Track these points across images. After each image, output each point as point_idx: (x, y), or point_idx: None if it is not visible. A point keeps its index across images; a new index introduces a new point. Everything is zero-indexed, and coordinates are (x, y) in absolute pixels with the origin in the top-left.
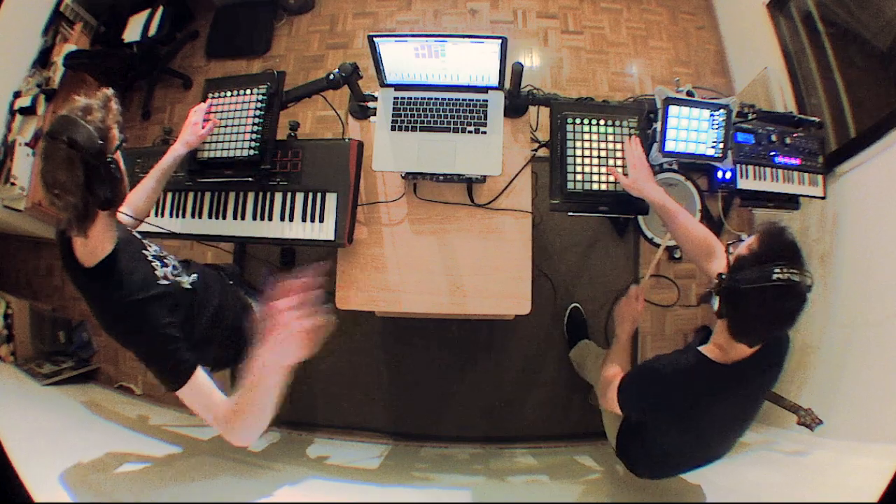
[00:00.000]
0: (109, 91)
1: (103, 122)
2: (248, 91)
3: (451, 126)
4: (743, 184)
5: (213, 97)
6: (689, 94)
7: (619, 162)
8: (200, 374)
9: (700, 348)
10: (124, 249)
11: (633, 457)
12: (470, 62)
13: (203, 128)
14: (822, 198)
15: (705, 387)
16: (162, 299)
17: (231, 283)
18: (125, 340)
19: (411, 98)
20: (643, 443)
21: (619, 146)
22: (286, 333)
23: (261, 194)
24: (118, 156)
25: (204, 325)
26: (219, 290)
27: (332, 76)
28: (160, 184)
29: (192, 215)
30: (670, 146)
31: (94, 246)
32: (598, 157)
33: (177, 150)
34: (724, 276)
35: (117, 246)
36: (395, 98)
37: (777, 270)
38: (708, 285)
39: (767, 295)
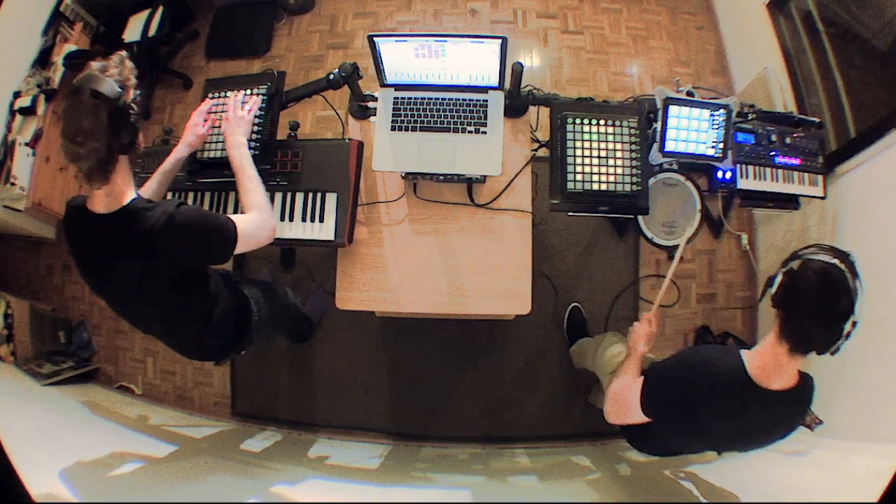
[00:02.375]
0: (123, 52)
1: (121, 75)
2: (249, 91)
3: (451, 126)
4: (743, 184)
5: (213, 97)
6: (689, 94)
7: (618, 162)
8: (238, 220)
9: (744, 356)
10: (141, 199)
11: (633, 437)
12: (470, 62)
13: (203, 128)
14: (823, 198)
15: (734, 405)
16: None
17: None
18: (165, 258)
19: (411, 98)
20: (647, 433)
21: (619, 146)
22: (233, 118)
23: None
24: (135, 106)
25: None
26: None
27: (332, 76)
28: (163, 186)
29: None
30: (670, 146)
31: (118, 191)
32: (598, 157)
33: (179, 152)
34: (791, 255)
35: (137, 196)
36: (395, 98)
37: (836, 262)
38: (771, 276)
39: (823, 278)
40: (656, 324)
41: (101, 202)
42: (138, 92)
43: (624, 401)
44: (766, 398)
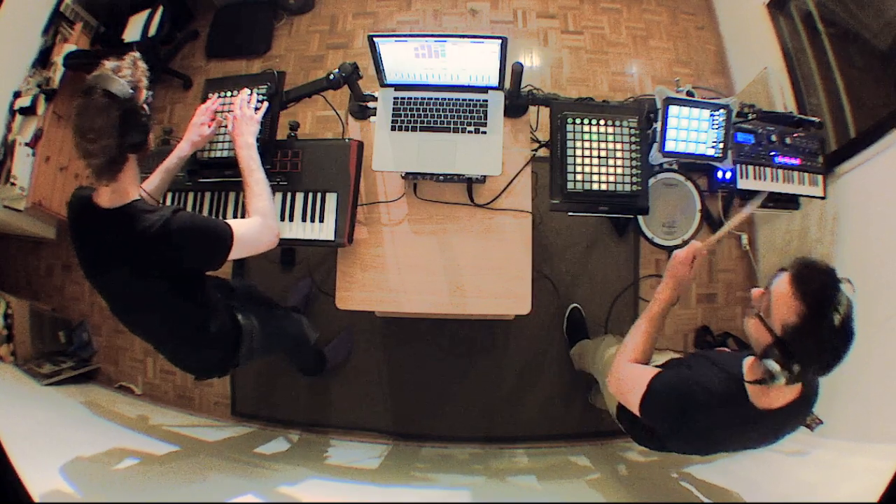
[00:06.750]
0: (136, 53)
1: (133, 76)
2: (249, 91)
3: (451, 126)
4: (743, 184)
5: (219, 96)
6: (689, 94)
7: (618, 162)
8: (237, 226)
9: (746, 378)
10: (143, 201)
11: (634, 433)
12: (470, 62)
13: (208, 127)
14: (823, 198)
15: (738, 427)
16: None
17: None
18: (158, 261)
19: (411, 98)
20: (650, 436)
21: (619, 146)
22: (239, 119)
23: None
24: (146, 108)
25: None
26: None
27: (332, 76)
28: (165, 183)
29: None
30: (670, 146)
31: (123, 189)
32: (598, 157)
33: (182, 150)
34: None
35: (141, 197)
36: (395, 98)
37: (835, 319)
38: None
39: (836, 349)
40: (698, 263)
41: (106, 197)
42: (150, 93)
43: (628, 387)
44: (770, 416)
